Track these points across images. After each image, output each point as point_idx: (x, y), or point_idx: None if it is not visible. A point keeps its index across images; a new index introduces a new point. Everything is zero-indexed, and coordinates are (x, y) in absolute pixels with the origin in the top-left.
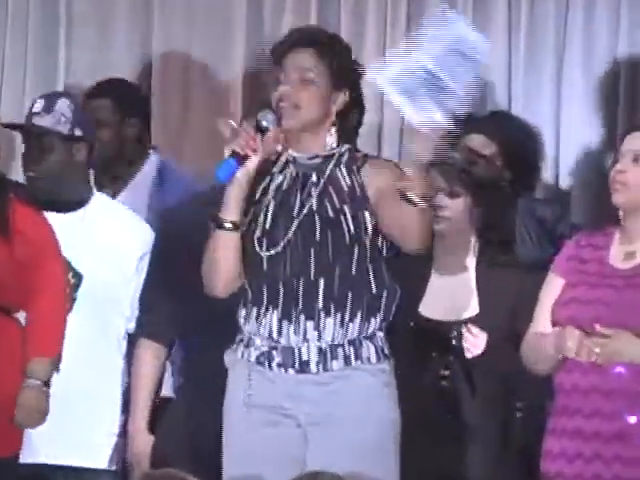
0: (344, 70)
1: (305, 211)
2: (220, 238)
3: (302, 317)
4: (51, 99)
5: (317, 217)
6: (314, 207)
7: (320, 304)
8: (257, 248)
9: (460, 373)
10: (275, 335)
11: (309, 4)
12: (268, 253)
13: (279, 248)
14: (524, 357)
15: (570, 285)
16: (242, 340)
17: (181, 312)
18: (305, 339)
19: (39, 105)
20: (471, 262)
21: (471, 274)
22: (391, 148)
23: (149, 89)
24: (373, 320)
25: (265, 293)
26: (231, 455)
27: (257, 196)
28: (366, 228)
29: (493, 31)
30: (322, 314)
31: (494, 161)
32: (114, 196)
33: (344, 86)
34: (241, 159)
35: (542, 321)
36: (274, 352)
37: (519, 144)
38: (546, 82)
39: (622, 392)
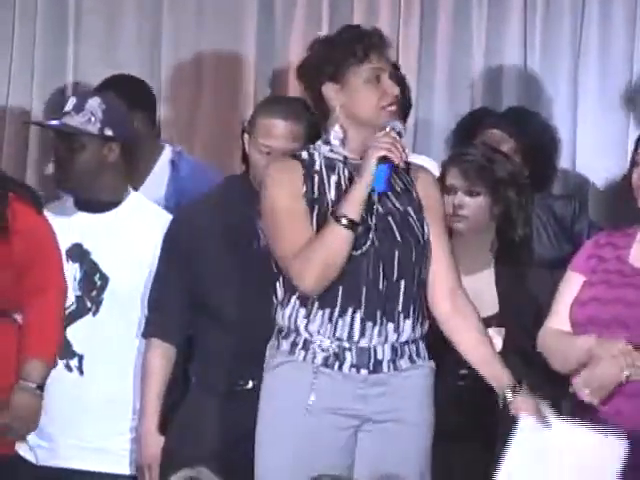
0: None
1: (375, 213)
2: (342, 234)
3: (384, 319)
4: (82, 98)
5: (390, 218)
6: (380, 209)
7: (400, 306)
8: None
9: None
10: (357, 337)
11: (321, 0)
12: (353, 253)
13: (364, 249)
14: (542, 351)
15: (589, 284)
16: (296, 343)
17: (191, 310)
18: (386, 340)
19: (70, 104)
20: (490, 260)
21: (490, 272)
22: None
23: (159, 86)
24: (426, 320)
25: (340, 294)
26: (287, 458)
27: (316, 194)
28: (426, 228)
29: (508, 31)
30: (402, 316)
31: (513, 157)
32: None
33: None
34: (389, 163)
35: (562, 317)
36: (347, 353)
37: (537, 140)
38: (562, 81)
39: None
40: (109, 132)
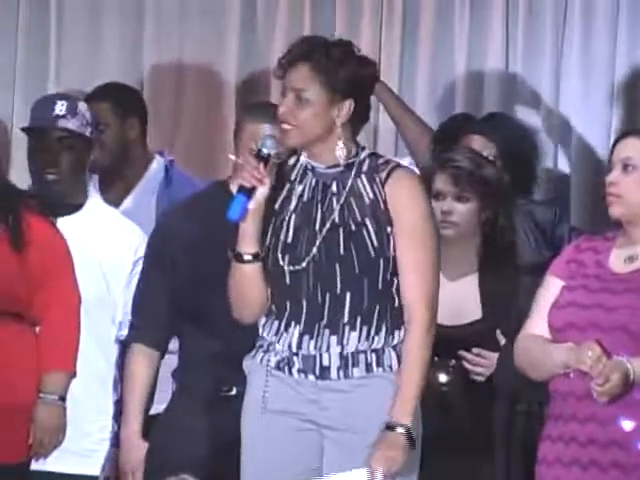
0: (343, 81)
1: (328, 225)
2: (243, 271)
3: (326, 332)
4: (73, 102)
5: (340, 230)
6: (336, 220)
7: (345, 319)
8: (280, 262)
9: (461, 378)
10: (295, 348)
11: (303, 4)
12: (292, 268)
13: (304, 264)
14: (517, 358)
15: (568, 288)
16: (262, 346)
17: (175, 316)
18: (327, 350)
19: (63, 108)
20: (475, 266)
21: (475, 278)
22: (386, 149)
23: (140, 91)
24: (397, 332)
25: (288, 308)
26: (250, 460)
27: (277, 206)
28: (389, 242)
29: (490, 32)
30: (347, 328)
31: (496, 163)
32: (121, 199)
33: (347, 96)
34: (249, 192)
35: (539, 323)
36: (294, 358)
37: (517, 146)
38: (545, 82)
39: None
40: (93, 136)
